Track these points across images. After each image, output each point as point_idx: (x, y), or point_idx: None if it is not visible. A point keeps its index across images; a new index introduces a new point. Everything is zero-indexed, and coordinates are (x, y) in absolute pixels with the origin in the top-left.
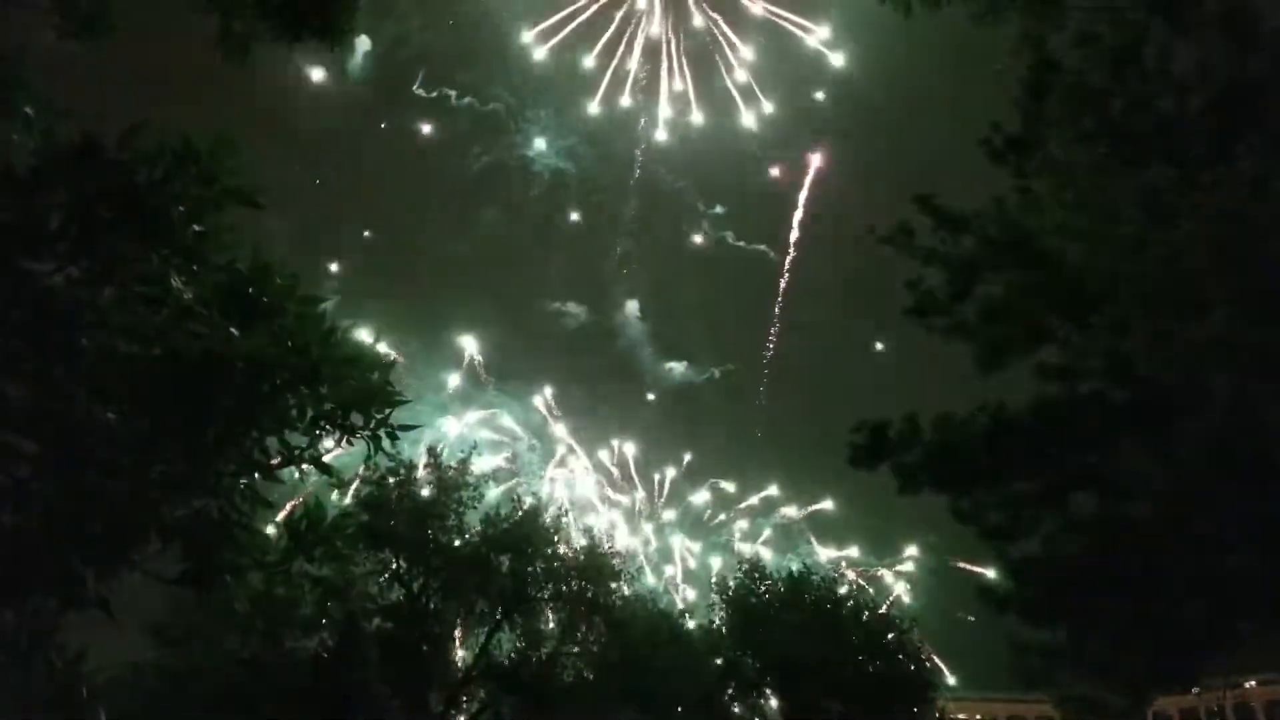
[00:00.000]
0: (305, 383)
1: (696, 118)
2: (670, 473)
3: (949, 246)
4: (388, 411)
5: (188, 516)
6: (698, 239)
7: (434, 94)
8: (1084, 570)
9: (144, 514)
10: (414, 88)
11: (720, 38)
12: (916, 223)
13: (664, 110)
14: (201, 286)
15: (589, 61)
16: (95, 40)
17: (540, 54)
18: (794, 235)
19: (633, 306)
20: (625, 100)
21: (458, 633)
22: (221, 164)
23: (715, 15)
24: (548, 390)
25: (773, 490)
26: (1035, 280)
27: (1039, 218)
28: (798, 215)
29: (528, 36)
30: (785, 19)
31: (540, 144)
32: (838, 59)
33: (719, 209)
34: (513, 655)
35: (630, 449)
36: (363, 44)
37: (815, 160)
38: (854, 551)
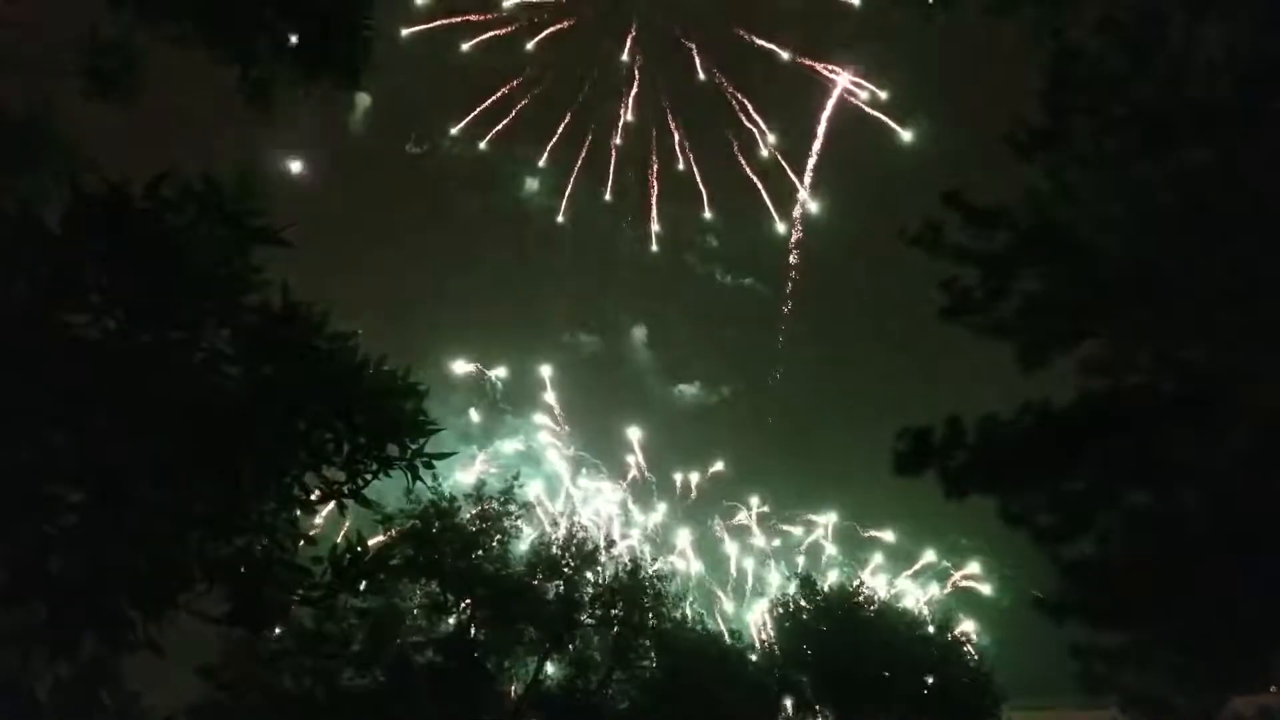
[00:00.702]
0: (340, 417)
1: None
2: (695, 479)
3: (981, 243)
4: (423, 441)
5: (231, 555)
6: (696, 266)
7: (425, 147)
8: (1141, 569)
9: (188, 555)
10: (406, 146)
11: (733, 101)
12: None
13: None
14: (234, 328)
15: (541, 161)
16: (120, 100)
17: (483, 144)
18: (793, 258)
19: (640, 333)
20: (606, 194)
21: (507, 663)
22: (246, 205)
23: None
24: (553, 399)
25: (831, 517)
26: (1074, 273)
27: (1072, 209)
28: (796, 234)
29: (455, 129)
30: (830, 74)
31: (532, 184)
32: (907, 133)
33: (714, 241)
34: (563, 683)
35: (644, 463)
36: (362, 100)
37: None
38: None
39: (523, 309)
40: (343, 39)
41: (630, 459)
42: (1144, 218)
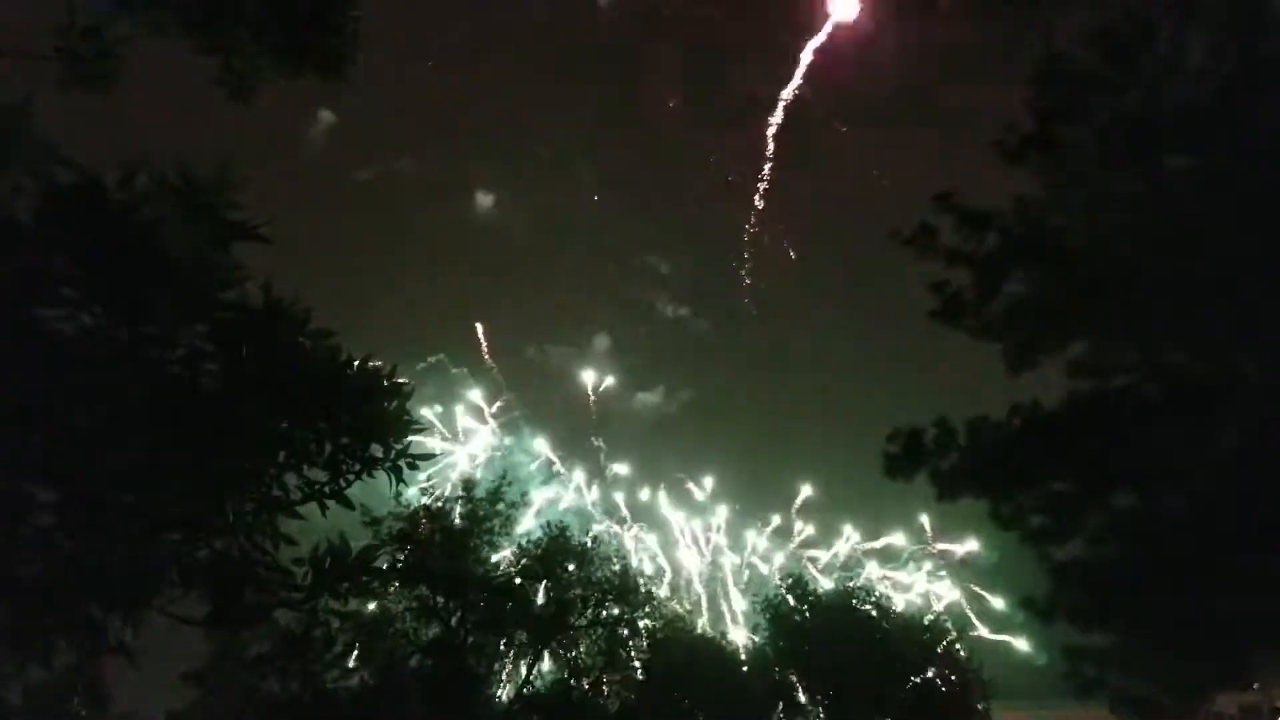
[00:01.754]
0: (323, 416)
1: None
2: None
3: (972, 246)
4: (407, 441)
5: (209, 557)
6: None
7: (380, 166)
8: (1130, 570)
9: (164, 557)
10: (356, 173)
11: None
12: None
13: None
14: (212, 324)
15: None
16: (97, 90)
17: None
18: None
19: (602, 342)
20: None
21: (497, 665)
22: (225, 198)
23: None
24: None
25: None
26: (1061, 276)
27: (1060, 214)
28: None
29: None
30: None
31: (486, 201)
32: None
33: (664, 268)
34: (554, 686)
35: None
36: (326, 117)
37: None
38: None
39: (473, 319)
40: (328, 29)
41: (607, 467)
42: (1130, 222)
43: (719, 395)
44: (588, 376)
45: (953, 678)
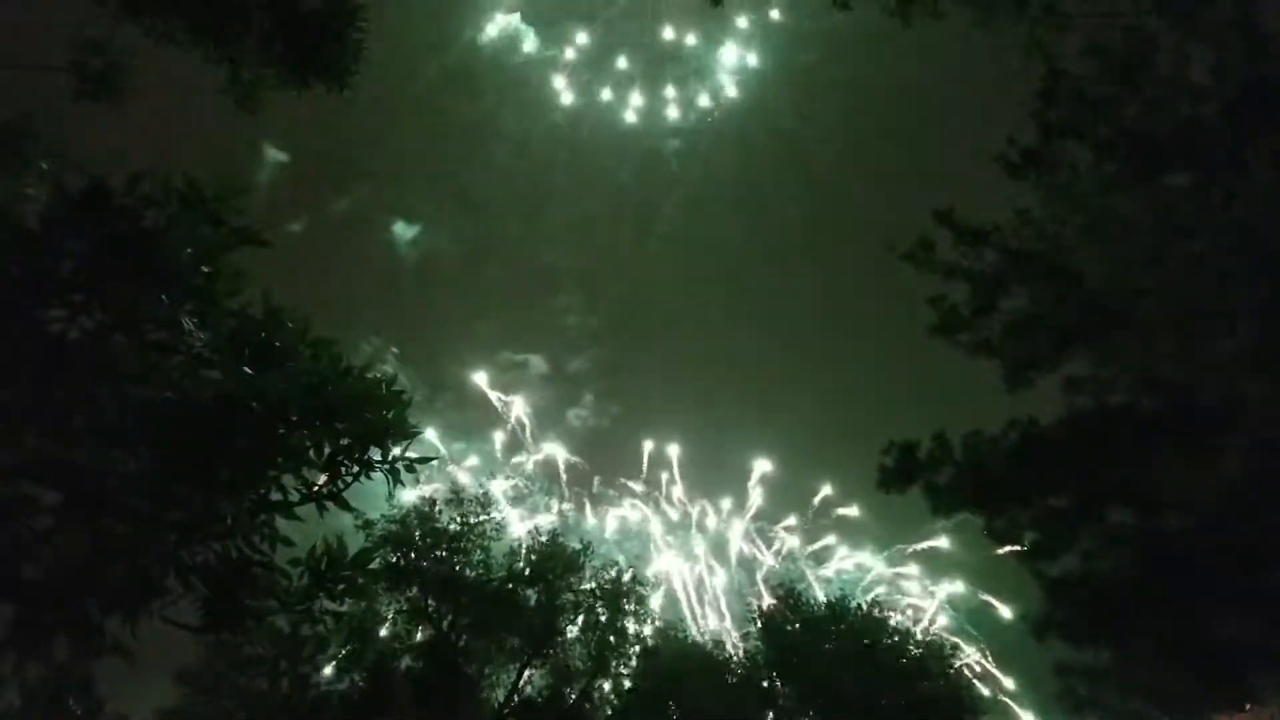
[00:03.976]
0: (321, 421)
1: None
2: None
3: (971, 261)
4: (405, 445)
5: (206, 559)
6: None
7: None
8: (1124, 587)
9: (162, 558)
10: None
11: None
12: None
13: None
14: (213, 331)
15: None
16: (108, 100)
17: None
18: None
19: (538, 361)
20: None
21: (488, 670)
22: (228, 205)
23: None
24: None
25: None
26: (1060, 293)
27: (1059, 230)
28: None
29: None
30: None
31: (407, 231)
32: None
33: (572, 321)
34: (544, 691)
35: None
36: (275, 155)
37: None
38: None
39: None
40: (332, 40)
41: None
42: (1130, 239)
43: (649, 409)
44: (520, 395)
45: (954, 692)
